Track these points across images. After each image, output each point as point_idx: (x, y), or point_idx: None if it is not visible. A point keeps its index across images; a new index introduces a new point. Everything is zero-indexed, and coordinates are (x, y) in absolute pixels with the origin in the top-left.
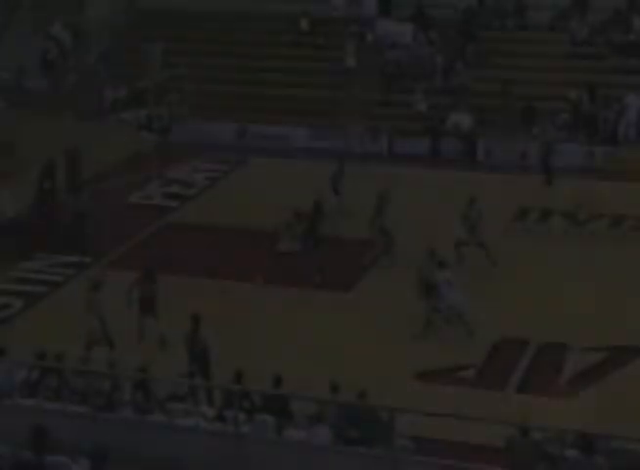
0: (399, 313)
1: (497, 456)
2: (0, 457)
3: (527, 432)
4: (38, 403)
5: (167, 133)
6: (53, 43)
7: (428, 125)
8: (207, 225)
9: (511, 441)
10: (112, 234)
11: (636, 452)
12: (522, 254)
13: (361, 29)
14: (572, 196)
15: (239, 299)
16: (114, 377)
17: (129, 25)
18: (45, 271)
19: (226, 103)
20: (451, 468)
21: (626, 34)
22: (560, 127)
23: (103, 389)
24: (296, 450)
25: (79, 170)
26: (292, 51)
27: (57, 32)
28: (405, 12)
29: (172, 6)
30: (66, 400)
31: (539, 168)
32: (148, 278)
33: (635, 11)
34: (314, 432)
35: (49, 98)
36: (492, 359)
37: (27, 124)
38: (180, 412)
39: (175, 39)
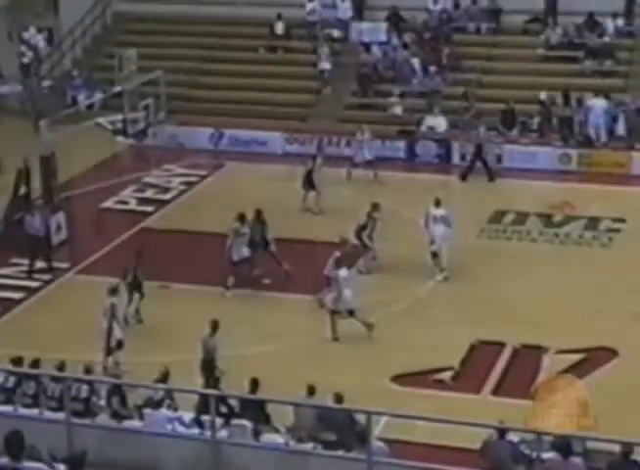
0: (375, 316)
1: (474, 459)
2: None
3: (504, 434)
4: (15, 410)
5: (143, 138)
6: (27, 48)
7: (403, 129)
8: (184, 230)
9: (488, 443)
10: (85, 240)
11: (612, 453)
12: (497, 256)
13: (336, 33)
14: (548, 198)
15: (215, 304)
16: (91, 383)
17: (104, 30)
18: (21, 277)
19: (202, 107)
20: None
21: (600, 37)
22: (532, 130)
23: (80, 395)
24: (273, 455)
25: (55, 176)
26: (267, 55)
27: (31, 37)
28: (380, 15)
29: (148, 10)
30: (42, 407)
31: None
32: (138, 261)
33: (608, 14)
34: None
35: (24, 103)
36: (469, 361)
37: (2, 129)
38: (157, 417)
39: (151, 44)
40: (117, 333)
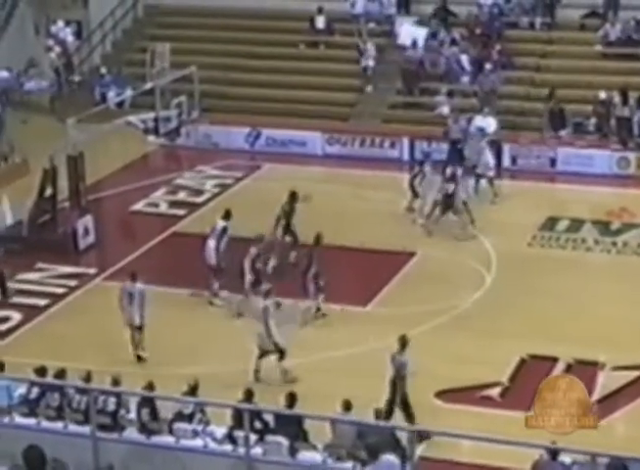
0: (419, 328)
1: None
2: None
3: (556, 455)
4: (38, 422)
5: (176, 137)
6: (55, 42)
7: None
8: None
9: (539, 464)
10: (114, 244)
11: None
12: (550, 265)
13: (380, 27)
14: (605, 204)
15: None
16: (119, 395)
17: (136, 23)
18: (46, 283)
19: (238, 105)
20: None
21: None
22: (589, 132)
23: (107, 407)
24: None
25: (83, 177)
26: (307, 51)
27: (59, 30)
28: (427, 9)
29: (182, 3)
30: (67, 420)
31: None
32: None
33: None
34: None
35: (51, 99)
36: (518, 377)
37: (29, 127)
38: (188, 432)
39: (185, 38)
40: (278, 338)
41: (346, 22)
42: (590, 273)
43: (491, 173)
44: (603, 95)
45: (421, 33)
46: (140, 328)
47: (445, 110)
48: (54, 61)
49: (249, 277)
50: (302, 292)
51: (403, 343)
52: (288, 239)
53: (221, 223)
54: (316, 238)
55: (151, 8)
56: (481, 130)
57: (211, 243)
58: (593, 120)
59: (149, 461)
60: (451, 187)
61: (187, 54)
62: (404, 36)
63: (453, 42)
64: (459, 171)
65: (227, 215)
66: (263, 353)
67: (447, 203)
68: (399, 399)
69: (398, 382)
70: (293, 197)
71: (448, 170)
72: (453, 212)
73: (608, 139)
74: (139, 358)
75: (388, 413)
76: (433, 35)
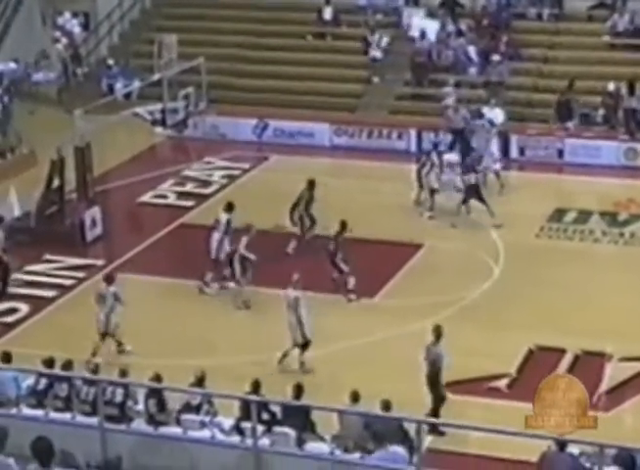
0: (426, 319)
1: None
2: None
3: (564, 446)
4: (46, 414)
5: (183, 128)
6: (61, 33)
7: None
8: None
9: (546, 455)
10: (122, 236)
11: None
12: (557, 256)
13: (387, 19)
14: (613, 195)
15: (259, 304)
16: (127, 386)
17: (143, 14)
18: (54, 274)
19: (246, 97)
20: None
21: None
22: (597, 123)
23: (114, 399)
24: (318, 465)
25: (90, 168)
26: (314, 42)
27: (65, 22)
28: None
29: None
30: (75, 411)
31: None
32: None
33: None
34: None
35: (58, 91)
36: (526, 368)
37: (36, 118)
38: (195, 423)
39: (192, 29)
40: (307, 328)
41: (354, 13)
42: (598, 264)
43: (496, 166)
44: (612, 86)
45: (431, 26)
46: (104, 333)
47: (451, 101)
48: (61, 52)
49: (239, 266)
50: (334, 270)
51: (438, 334)
52: (297, 228)
53: (225, 216)
54: (341, 225)
55: None
56: (489, 121)
57: (216, 235)
58: (601, 112)
59: (156, 452)
60: (472, 177)
61: (194, 45)
62: (414, 28)
63: (460, 33)
64: (454, 158)
65: (230, 208)
66: (296, 345)
67: (470, 193)
68: (435, 392)
69: (433, 376)
70: (311, 184)
71: (467, 161)
72: (480, 201)
73: (615, 130)
74: (93, 355)
75: (433, 414)
76: (442, 28)
